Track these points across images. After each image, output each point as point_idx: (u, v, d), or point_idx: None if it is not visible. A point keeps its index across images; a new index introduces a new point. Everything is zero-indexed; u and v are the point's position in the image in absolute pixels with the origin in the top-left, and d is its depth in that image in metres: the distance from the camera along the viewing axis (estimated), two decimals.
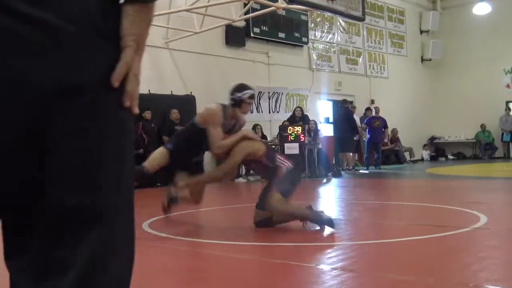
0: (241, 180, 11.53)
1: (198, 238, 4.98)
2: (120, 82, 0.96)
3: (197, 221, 6.24)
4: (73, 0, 0.91)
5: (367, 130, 15.51)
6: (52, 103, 0.89)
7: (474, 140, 19.94)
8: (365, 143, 15.60)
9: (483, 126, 19.39)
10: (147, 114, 11.40)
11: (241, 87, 5.23)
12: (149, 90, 11.89)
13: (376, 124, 15.41)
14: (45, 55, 0.88)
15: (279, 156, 5.20)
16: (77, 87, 0.91)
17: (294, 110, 13.63)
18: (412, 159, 18.65)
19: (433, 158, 20.17)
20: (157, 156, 5.29)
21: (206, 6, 11.02)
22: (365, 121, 15.69)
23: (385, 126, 15.80)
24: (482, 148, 19.60)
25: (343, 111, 14.47)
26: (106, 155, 0.98)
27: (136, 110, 1.03)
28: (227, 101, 5.22)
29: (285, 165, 5.06)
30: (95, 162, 0.97)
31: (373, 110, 15.95)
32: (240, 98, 5.15)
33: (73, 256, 0.95)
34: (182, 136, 5.46)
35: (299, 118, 13.15)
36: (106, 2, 0.96)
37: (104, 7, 0.95)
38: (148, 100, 11.60)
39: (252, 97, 5.29)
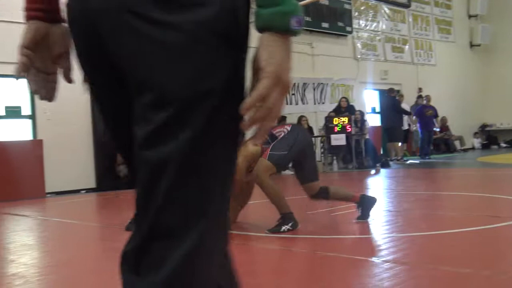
0: (288, 172, 11.51)
1: (247, 232, 5.00)
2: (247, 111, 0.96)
3: (244, 214, 6.26)
4: (206, 7, 0.94)
5: (418, 119, 15.20)
6: (188, 105, 0.95)
7: None
8: (419, 133, 15.30)
9: None
10: None
11: None
12: None
13: (428, 113, 15.05)
14: (179, 59, 0.93)
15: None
16: (206, 91, 0.95)
17: (340, 101, 13.50)
18: (462, 147, 18.19)
19: (485, 146, 19.63)
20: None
21: None
22: (416, 110, 15.37)
23: (436, 115, 15.45)
24: None
25: (390, 100, 14.23)
26: (216, 159, 1.00)
27: (259, 141, 1.06)
28: None
29: (283, 129, 4.88)
30: (207, 164, 0.99)
31: (425, 98, 15.61)
32: None
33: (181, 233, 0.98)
34: None
35: (345, 108, 13.01)
36: (239, 11, 0.99)
37: (236, 17, 0.99)
38: None
39: None
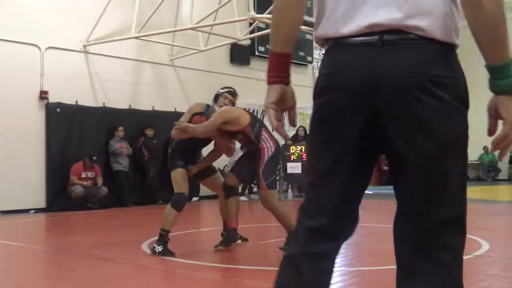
0: (243, 198, 11.50)
1: (196, 261, 4.94)
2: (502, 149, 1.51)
3: (196, 241, 6.21)
4: (456, 87, 1.50)
5: None
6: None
7: (478, 162, 19.85)
8: None
9: (485, 148, 19.27)
10: (149, 132, 11.42)
11: (225, 87, 5.63)
12: (152, 107, 11.93)
13: None
14: (446, 117, 1.48)
15: (264, 133, 5.28)
16: (459, 135, 1.53)
17: (297, 130, 13.62)
18: None
19: None
20: (180, 180, 5.23)
21: (212, 25, 11.07)
22: None
23: None
24: (486, 170, 19.49)
25: None
26: (464, 176, 1.60)
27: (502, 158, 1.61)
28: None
29: (268, 146, 5.23)
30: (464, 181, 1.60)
31: None
32: (218, 93, 5.47)
33: (450, 240, 1.54)
34: (179, 148, 5.44)
35: (302, 137, 13.12)
36: (466, 84, 1.54)
37: (466, 88, 1.53)
38: (151, 117, 11.64)
39: (230, 92, 5.49)
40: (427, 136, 1.47)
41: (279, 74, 1.65)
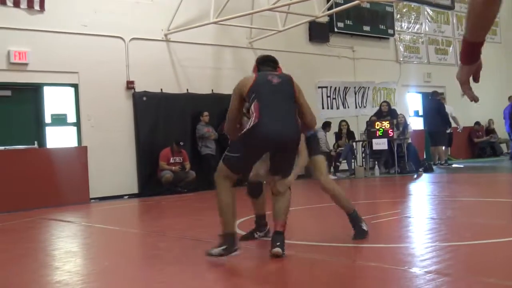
0: (333, 177, 11.41)
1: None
2: None
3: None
4: None
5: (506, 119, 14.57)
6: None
7: None
8: (508, 134, 14.74)
9: None
10: None
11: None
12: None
13: None
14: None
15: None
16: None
17: (381, 105, 13.30)
18: (509, 151, 17.66)
19: None
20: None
21: (289, 4, 10.99)
22: (506, 110, 14.76)
23: None
24: None
25: (434, 103, 13.92)
26: None
27: None
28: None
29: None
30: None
31: None
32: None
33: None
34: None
35: (386, 113, 12.81)
36: None
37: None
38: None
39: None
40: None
41: (472, 59, 1.78)
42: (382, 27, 15.28)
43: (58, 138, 10.17)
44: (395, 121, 12.34)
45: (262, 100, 4.02)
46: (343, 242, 4.56)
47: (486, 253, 3.96)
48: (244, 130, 4.08)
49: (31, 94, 9.98)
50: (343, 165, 12.83)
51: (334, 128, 12.95)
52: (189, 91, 11.52)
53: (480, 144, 17.23)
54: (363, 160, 12.89)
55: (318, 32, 13.91)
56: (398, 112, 13.30)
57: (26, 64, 9.62)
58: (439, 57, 17.26)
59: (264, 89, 4.09)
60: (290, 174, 4.25)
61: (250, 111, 4.06)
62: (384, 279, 3.37)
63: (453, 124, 14.78)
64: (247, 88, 4.11)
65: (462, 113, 15.65)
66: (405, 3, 15.80)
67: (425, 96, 15.88)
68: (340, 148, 12.79)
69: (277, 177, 4.21)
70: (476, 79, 1.81)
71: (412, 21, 16.56)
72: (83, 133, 10.24)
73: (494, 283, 3.09)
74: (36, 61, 9.67)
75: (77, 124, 10.27)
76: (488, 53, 18.51)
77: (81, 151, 9.97)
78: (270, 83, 4.12)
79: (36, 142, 9.71)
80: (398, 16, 16.03)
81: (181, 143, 10.71)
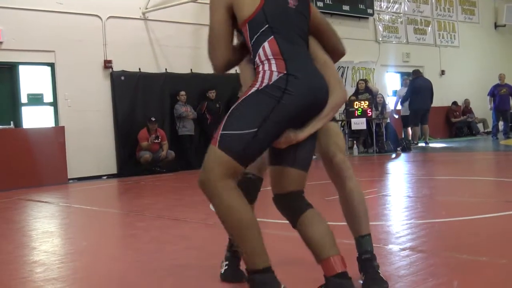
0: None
1: (265, 218, 4.99)
2: None
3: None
4: None
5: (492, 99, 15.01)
6: None
7: None
8: (492, 112, 15.11)
9: None
10: (212, 94, 11.47)
11: None
12: None
13: (502, 91, 14.84)
14: None
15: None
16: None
17: (357, 83, 13.35)
18: (486, 130, 17.92)
19: (510, 129, 19.27)
20: None
21: None
22: (490, 90, 15.15)
23: None
24: None
25: (427, 82, 13.98)
26: None
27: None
28: None
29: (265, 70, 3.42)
30: None
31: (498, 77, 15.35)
32: None
33: None
34: None
35: (363, 90, 12.84)
36: None
37: None
38: (213, 80, 11.68)
39: None
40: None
41: None
42: (361, 6, 15.26)
43: (35, 118, 10.04)
44: (373, 99, 12.41)
45: (282, 36, 2.31)
46: None
47: (460, 230, 4.05)
48: (261, 86, 2.27)
49: (6, 73, 9.80)
50: None
51: None
52: (168, 70, 11.42)
53: (457, 123, 17.44)
54: None
55: None
56: (378, 92, 13.35)
57: (0, 43, 9.44)
58: (417, 37, 17.33)
59: (282, 16, 2.35)
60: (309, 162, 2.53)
61: (258, 54, 2.35)
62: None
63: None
64: (249, 8, 2.30)
65: (440, 93, 15.78)
66: None
67: (407, 75, 15.81)
68: None
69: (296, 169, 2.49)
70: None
71: (392, 0, 16.57)
72: (60, 113, 10.12)
73: (466, 259, 3.16)
74: (11, 39, 9.49)
75: (54, 104, 10.14)
76: (466, 33, 18.77)
77: (58, 131, 9.87)
78: (287, 6, 2.36)
79: (12, 122, 9.58)
80: None
81: (153, 119, 10.53)
